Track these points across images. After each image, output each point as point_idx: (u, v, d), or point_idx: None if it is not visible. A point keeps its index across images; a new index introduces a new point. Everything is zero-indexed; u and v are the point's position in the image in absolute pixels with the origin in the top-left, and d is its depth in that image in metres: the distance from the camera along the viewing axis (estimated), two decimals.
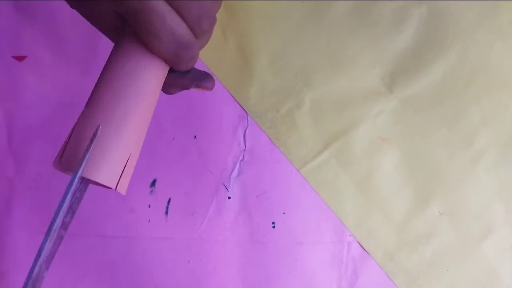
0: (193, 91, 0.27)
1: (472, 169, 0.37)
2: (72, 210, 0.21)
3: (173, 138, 0.39)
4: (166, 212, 0.38)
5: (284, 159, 0.38)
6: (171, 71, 0.24)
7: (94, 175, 0.21)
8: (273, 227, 0.37)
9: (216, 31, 0.40)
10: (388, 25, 0.38)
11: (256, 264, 0.37)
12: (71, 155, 0.21)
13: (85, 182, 0.22)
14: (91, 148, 0.21)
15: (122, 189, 0.22)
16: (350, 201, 0.37)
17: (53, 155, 0.22)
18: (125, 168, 0.22)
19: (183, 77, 0.25)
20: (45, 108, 0.39)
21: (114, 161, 0.22)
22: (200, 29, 0.22)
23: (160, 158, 0.38)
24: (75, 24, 0.39)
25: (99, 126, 0.21)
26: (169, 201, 0.38)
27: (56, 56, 0.39)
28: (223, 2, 0.40)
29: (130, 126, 0.22)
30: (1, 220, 0.37)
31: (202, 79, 0.26)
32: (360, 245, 0.37)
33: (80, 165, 0.20)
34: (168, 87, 0.26)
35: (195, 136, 0.39)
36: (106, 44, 0.41)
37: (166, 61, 0.23)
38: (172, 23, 0.21)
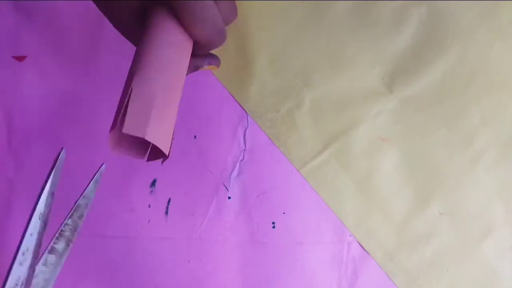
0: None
1: (472, 169, 0.37)
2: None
3: (173, 138, 0.39)
4: (166, 212, 0.38)
5: (284, 159, 0.38)
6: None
7: (156, 140, 0.21)
8: (273, 227, 0.37)
9: None
10: (388, 25, 0.38)
11: (256, 264, 0.37)
12: (135, 120, 0.21)
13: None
14: (152, 114, 0.21)
15: (166, 149, 0.23)
16: (350, 201, 0.37)
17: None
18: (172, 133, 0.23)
19: (196, 57, 0.28)
20: (45, 108, 0.39)
21: (169, 127, 0.23)
22: (229, 21, 0.27)
23: None
24: (76, 24, 0.39)
25: (155, 93, 0.22)
26: (169, 201, 0.38)
27: (56, 56, 0.39)
28: None
29: (177, 96, 0.23)
30: (1, 220, 0.37)
31: (213, 57, 0.29)
32: (360, 245, 0.37)
33: (145, 127, 0.21)
34: None
35: (195, 136, 0.39)
36: (106, 44, 0.41)
37: (199, 43, 0.26)
38: (215, 11, 0.24)
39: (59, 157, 0.21)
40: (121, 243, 0.37)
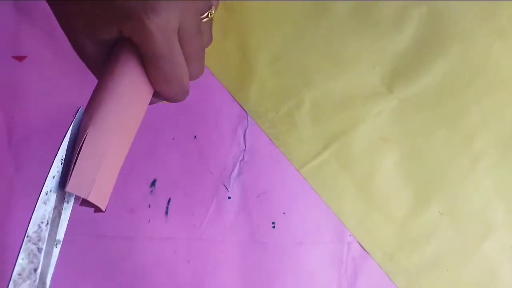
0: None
1: (472, 169, 0.37)
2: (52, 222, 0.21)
3: (173, 138, 0.39)
4: (166, 212, 0.38)
5: (284, 159, 0.38)
6: None
7: (99, 202, 0.22)
8: (273, 227, 0.37)
9: (216, 31, 0.40)
10: (388, 25, 0.38)
11: (256, 264, 0.37)
12: (80, 179, 0.21)
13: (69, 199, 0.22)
14: (97, 174, 0.21)
15: (104, 205, 0.23)
16: (350, 201, 0.37)
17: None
18: (109, 183, 0.23)
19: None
20: (45, 108, 0.39)
21: (110, 185, 0.23)
22: (195, 77, 0.27)
23: (160, 158, 0.38)
24: None
25: (106, 152, 0.22)
26: (169, 201, 0.38)
27: (56, 56, 0.39)
28: (223, 2, 0.40)
29: (126, 151, 0.24)
30: (1, 220, 0.37)
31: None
32: (360, 245, 0.37)
33: (89, 189, 0.21)
34: None
35: (195, 136, 0.39)
36: None
37: (161, 97, 0.26)
38: (183, 75, 0.24)
39: (77, 116, 0.22)
40: (121, 243, 0.37)
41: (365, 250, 0.37)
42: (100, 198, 0.22)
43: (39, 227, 0.20)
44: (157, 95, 0.26)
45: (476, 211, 0.37)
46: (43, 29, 0.39)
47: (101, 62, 0.25)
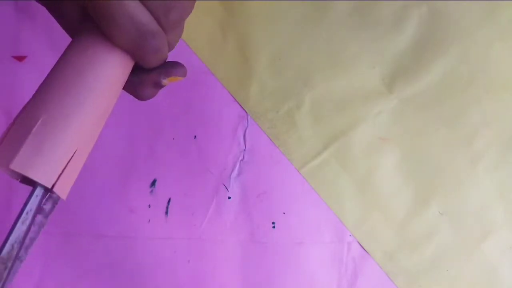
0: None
1: (472, 169, 0.37)
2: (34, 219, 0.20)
3: (173, 138, 0.39)
4: (166, 212, 0.38)
5: (284, 159, 0.38)
6: (138, 69, 0.23)
7: (27, 170, 0.18)
8: (273, 227, 0.37)
9: (216, 31, 0.40)
10: (388, 25, 0.38)
11: (256, 264, 0.37)
12: (7, 148, 0.19)
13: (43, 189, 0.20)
14: (26, 141, 0.18)
15: (62, 191, 0.20)
16: (350, 201, 0.37)
17: None
18: (67, 167, 0.19)
19: (150, 72, 0.23)
20: None
21: (54, 157, 0.19)
22: (167, 20, 0.21)
23: (160, 158, 0.38)
24: None
25: (39, 118, 0.19)
26: (169, 201, 0.38)
27: (56, 56, 0.39)
28: (223, 2, 0.40)
29: (77, 121, 0.20)
30: (1, 220, 0.37)
31: (171, 67, 0.23)
32: (360, 245, 0.37)
33: (12, 158, 0.18)
34: (137, 87, 0.24)
35: (195, 136, 0.39)
36: None
37: (129, 53, 0.21)
38: (133, 10, 0.20)
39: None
40: (121, 243, 0.37)
41: (365, 250, 0.37)
42: (49, 176, 0.19)
43: (12, 247, 0.19)
44: (134, 58, 0.22)
45: (476, 211, 0.37)
46: (43, 29, 0.39)
47: (76, 21, 0.22)
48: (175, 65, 0.23)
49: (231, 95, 0.39)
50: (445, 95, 0.38)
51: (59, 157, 0.19)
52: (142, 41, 0.20)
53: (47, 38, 0.39)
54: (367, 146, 0.38)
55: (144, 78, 0.23)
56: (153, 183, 0.38)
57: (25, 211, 0.19)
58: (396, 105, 0.38)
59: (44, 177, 0.19)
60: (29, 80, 0.39)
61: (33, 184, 0.20)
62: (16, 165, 0.18)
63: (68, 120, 0.19)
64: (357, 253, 0.37)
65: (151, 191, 0.38)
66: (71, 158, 0.19)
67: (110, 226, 0.37)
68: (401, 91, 0.38)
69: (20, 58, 0.39)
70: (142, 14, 0.20)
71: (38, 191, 0.20)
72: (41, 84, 0.21)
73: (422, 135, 0.38)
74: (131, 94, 0.24)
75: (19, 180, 0.21)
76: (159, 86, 0.24)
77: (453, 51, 0.38)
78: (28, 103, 0.20)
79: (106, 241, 0.37)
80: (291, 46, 0.39)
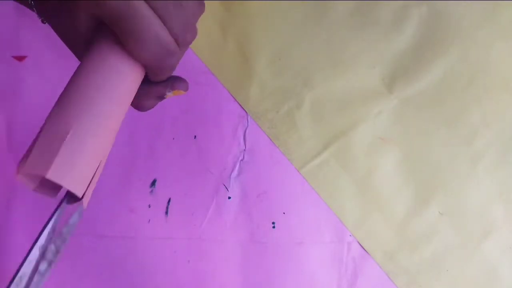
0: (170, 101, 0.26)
1: (472, 169, 0.37)
2: (58, 233, 0.20)
3: (173, 138, 0.39)
4: (166, 212, 0.38)
5: (284, 159, 0.38)
6: (144, 81, 0.23)
7: (61, 179, 0.18)
8: (273, 227, 0.37)
9: (216, 31, 0.40)
10: (388, 25, 0.38)
11: (256, 264, 0.37)
12: (38, 157, 0.19)
13: (70, 200, 0.20)
14: (60, 151, 0.19)
15: (86, 200, 0.20)
16: (350, 201, 0.37)
17: None
18: (94, 177, 0.20)
19: (156, 85, 0.25)
20: (45, 108, 0.39)
21: (85, 167, 0.19)
22: (184, 40, 0.22)
23: (160, 158, 0.38)
24: None
25: (70, 128, 0.19)
26: (169, 201, 0.38)
27: (56, 56, 0.39)
28: (223, 2, 0.40)
29: (102, 132, 0.20)
30: (1, 220, 0.37)
31: (176, 81, 0.25)
32: (360, 245, 0.37)
33: (48, 168, 0.18)
34: (142, 98, 0.25)
35: (195, 136, 0.39)
36: None
37: (146, 68, 0.22)
38: (159, 29, 0.21)
39: (59, 208, 0.21)
40: (121, 243, 0.37)
41: (365, 250, 0.37)
42: (69, 180, 0.19)
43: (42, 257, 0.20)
44: (151, 74, 0.23)
45: (476, 211, 0.37)
46: (43, 29, 0.39)
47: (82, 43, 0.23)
48: (180, 79, 0.25)
49: (231, 95, 0.39)
50: (445, 95, 0.38)
51: (89, 167, 0.20)
52: (162, 59, 0.22)
53: (47, 38, 0.39)
54: (367, 146, 0.38)
55: (150, 90, 0.25)
56: (153, 183, 0.38)
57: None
58: (396, 105, 0.38)
59: (76, 186, 0.19)
60: (29, 80, 0.39)
61: (50, 192, 0.20)
62: (52, 174, 0.18)
63: (97, 131, 0.20)
64: (357, 253, 0.37)
65: (151, 191, 0.38)
66: (98, 167, 0.20)
67: (110, 226, 0.37)
68: (401, 91, 0.38)
69: (20, 58, 0.39)
70: (165, 34, 0.21)
71: (68, 200, 0.20)
72: (64, 93, 0.22)
73: (422, 135, 0.38)
74: (131, 104, 0.25)
75: (33, 188, 0.21)
76: (161, 98, 0.25)
77: (453, 51, 0.38)
78: (53, 112, 0.21)
79: (106, 241, 0.37)
80: (291, 46, 0.39)
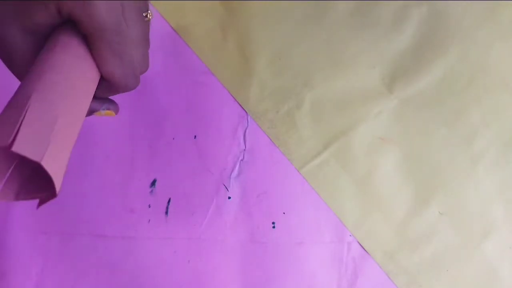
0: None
1: (472, 169, 0.37)
2: None
3: (173, 138, 0.39)
4: (166, 212, 0.38)
5: (284, 159, 0.38)
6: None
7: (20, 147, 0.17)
8: (273, 227, 0.37)
9: (216, 31, 0.40)
10: (388, 25, 0.38)
11: (256, 264, 0.37)
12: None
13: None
14: (21, 120, 0.17)
15: (51, 168, 0.18)
16: (350, 201, 0.37)
17: None
18: (53, 144, 0.18)
19: (93, 100, 0.24)
20: None
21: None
22: (142, 70, 0.24)
23: (160, 158, 0.38)
24: None
25: (29, 97, 0.19)
26: (169, 201, 0.38)
27: None
28: (223, 2, 0.40)
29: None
30: (1, 220, 0.37)
31: (112, 102, 0.25)
32: (360, 245, 0.37)
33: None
34: None
35: (195, 136, 0.39)
36: None
37: (110, 81, 0.22)
38: (132, 52, 0.22)
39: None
40: (121, 243, 0.37)
41: (365, 250, 0.37)
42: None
43: None
44: (103, 87, 0.23)
45: (476, 211, 0.37)
46: None
47: (28, 58, 0.22)
48: (114, 102, 0.26)
49: (231, 95, 0.39)
50: (445, 95, 0.38)
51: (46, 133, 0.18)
52: (130, 80, 0.23)
53: None
54: (367, 146, 0.38)
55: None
56: (153, 183, 0.38)
57: None
58: (396, 105, 0.38)
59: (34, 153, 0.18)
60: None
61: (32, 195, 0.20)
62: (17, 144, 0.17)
63: (58, 101, 0.19)
64: (357, 253, 0.37)
65: (151, 191, 0.38)
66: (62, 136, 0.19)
67: (110, 226, 0.37)
68: (401, 91, 0.38)
69: None
70: (135, 60, 0.22)
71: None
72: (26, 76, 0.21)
73: (422, 135, 0.38)
74: None
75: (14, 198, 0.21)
76: (90, 113, 0.25)
77: (453, 51, 0.38)
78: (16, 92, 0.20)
79: (106, 241, 0.37)
80: (291, 46, 0.39)
